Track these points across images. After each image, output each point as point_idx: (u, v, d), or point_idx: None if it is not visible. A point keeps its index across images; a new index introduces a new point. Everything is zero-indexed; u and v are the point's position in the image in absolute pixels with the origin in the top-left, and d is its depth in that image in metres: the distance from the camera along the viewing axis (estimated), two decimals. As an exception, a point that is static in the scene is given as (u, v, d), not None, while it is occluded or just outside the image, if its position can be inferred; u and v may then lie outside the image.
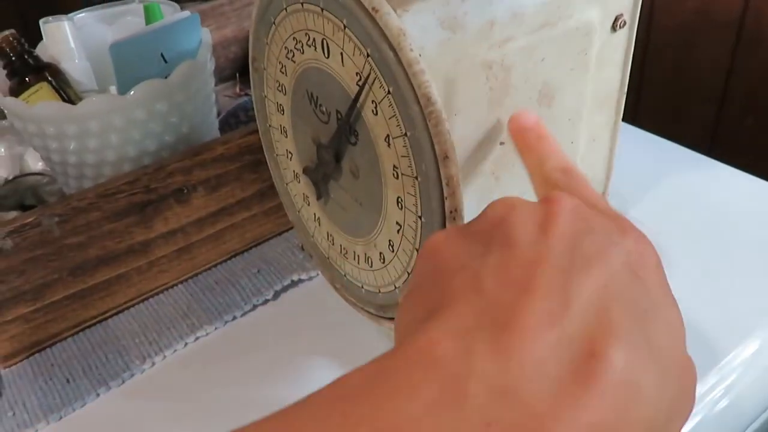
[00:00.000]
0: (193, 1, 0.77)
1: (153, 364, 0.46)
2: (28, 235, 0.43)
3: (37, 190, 0.56)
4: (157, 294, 0.51)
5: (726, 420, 0.42)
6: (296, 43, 0.38)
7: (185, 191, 0.48)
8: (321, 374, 0.44)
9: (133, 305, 0.50)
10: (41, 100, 0.47)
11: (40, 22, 0.53)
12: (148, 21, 0.53)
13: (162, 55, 0.47)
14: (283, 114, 0.43)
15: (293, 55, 0.39)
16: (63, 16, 0.53)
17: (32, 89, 0.48)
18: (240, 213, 0.52)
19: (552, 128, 0.41)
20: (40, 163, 0.56)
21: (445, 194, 0.30)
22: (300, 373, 0.44)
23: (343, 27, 0.32)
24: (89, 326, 0.48)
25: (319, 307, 0.49)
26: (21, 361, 0.46)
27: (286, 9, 0.37)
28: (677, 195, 0.56)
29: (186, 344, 0.47)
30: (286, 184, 0.47)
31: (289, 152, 0.45)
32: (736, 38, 0.93)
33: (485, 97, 0.36)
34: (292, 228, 0.56)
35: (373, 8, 0.30)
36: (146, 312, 0.49)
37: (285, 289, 0.50)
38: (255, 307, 0.49)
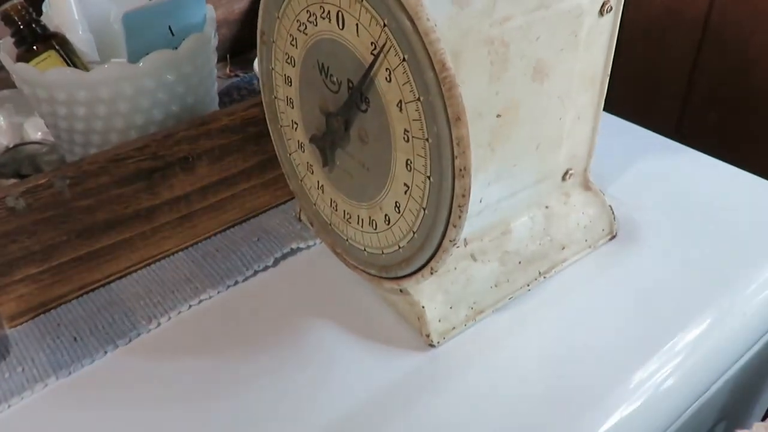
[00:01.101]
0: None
1: (159, 324, 0.47)
2: (41, 196, 0.44)
3: (35, 159, 0.57)
4: (159, 260, 0.52)
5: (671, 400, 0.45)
6: (309, 16, 0.40)
7: (190, 159, 0.50)
8: (319, 335, 0.46)
9: (136, 270, 0.51)
10: (50, 67, 0.48)
11: (44, -7, 0.54)
12: (152, -5, 0.54)
13: (170, 28, 0.49)
14: (290, 85, 0.45)
15: (305, 28, 0.41)
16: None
17: (41, 57, 0.49)
18: (240, 184, 0.54)
19: (543, 104, 0.44)
20: (39, 133, 0.57)
21: (456, 153, 0.33)
22: (300, 334, 0.46)
23: (360, -1, 0.35)
24: (93, 289, 0.50)
25: (318, 274, 0.51)
26: (26, 321, 0.47)
27: (300, -17, 0.39)
28: (649, 175, 0.60)
29: (190, 306, 0.49)
30: (289, 154, 0.49)
31: (295, 122, 0.47)
32: (702, 36, 0.98)
33: (486, 71, 0.39)
34: (288, 200, 0.58)
35: (393, -19, 0.32)
36: (149, 277, 0.51)
37: (284, 256, 0.53)
38: (256, 273, 0.51)
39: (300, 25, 0.41)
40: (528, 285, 0.48)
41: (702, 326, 0.46)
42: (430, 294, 0.44)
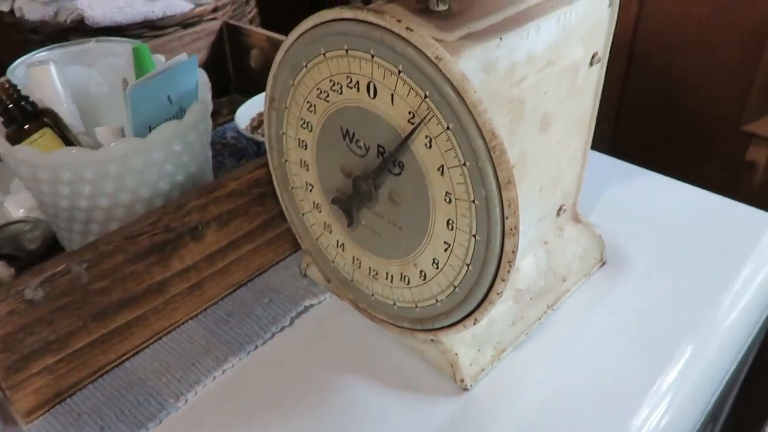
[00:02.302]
0: (142, 37, 0.77)
1: (186, 401, 0.46)
2: (59, 283, 0.42)
3: (17, 238, 0.54)
4: (170, 332, 0.51)
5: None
6: (333, 85, 0.41)
7: (200, 228, 0.49)
8: (351, 392, 0.46)
9: (148, 345, 0.50)
10: (47, 145, 0.46)
11: (20, 65, 0.52)
12: (137, 63, 0.53)
13: (168, 97, 0.49)
14: (305, 149, 0.46)
15: (327, 96, 0.42)
16: (45, 58, 0.52)
17: (34, 136, 0.47)
18: (246, 245, 0.54)
19: (547, 152, 0.47)
20: (22, 210, 0.54)
21: (506, 214, 0.35)
22: (331, 393, 0.47)
23: (398, 72, 0.36)
24: (107, 371, 0.48)
25: (335, 328, 0.52)
26: (43, 414, 0.45)
27: (324, 54, 0.40)
28: (620, 200, 0.65)
29: (215, 378, 0.48)
30: (302, 214, 0.50)
31: (310, 184, 0.48)
32: (629, 58, 1.06)
33: (506, 127, 0.41)
34: (289, 255, 0.58)
35: (437, 57, 0.34)
36: (164, 351, 0.49)
37: (298, 315, 0.53)
38: (273, 335, 0.51)
39: (321, 93, 0.42)
40: (540, 319, 0.51)
41: (698, 339, 0.50)
42: (460, 340, 0.45)
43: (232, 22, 0.81)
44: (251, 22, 0.93)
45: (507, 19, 0.40)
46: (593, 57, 0.47)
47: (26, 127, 0.47)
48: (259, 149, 0.61)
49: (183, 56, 0.50)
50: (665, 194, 0.66)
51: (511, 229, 0.35)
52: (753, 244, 0.59)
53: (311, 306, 0.54)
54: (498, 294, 0.38)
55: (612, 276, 0.56)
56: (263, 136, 0.64)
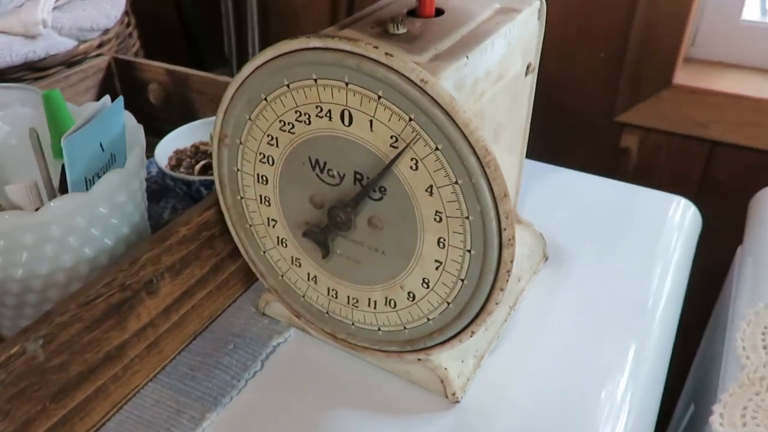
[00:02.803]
0: (23, 80, 0.69)
1: (170, 470, 0.42)
2: (14, 367, 0.37)
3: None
4: (131, 399, 0.46)
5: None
6: (299, 116, 0.40)
7: (154, 281, 0.45)
8: (342, 425, 0.45)
9: (110, 418, 0.45)
10: (-33, 213, 0.40)
11: None
12: (49, 109, 0.48)
13: (101, 144, 0.44)
14: (266, 184, 0.44)
15: (292, 127, 0.41)
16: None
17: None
18: (199, 292, 0.50)
19: (499, 161, 0.49)
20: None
21: (504, 226, 0.36)
22: (322, 429, 0.45)
23: (377, 98, 0.36)
24: (69, 455, 0.43)
25: (307, 363, 0.50)
26: None
27: (288, 85, 0.39)
28: (546, 198, 0.69)
29: (195, 439, 0.44)
30: (264, 252, 0.48)
31: (272, 220, 0.46)
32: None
33: (471, 141, 0.42)
34: (240, 297, 0.56)
35: (422, 80, 0.34)
36: (129, 421, 0.45)
37: (267, 356, 0.50)
38: (247, 382, 0.48)
39: (284, 125, 0.41)
40: (505, 320, 0.53)
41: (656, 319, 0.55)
42: (447, 354, 0.46)
43: (121, 56, 0.76)
44: (136, 55, 0.87)
45: (464, 37, 0.41)
46: (528, 67, 0.49)
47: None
48: (189, 188, 0.58)
49: (107, 99, 0.46)
50: (575, 186, 0.71)
51: (509, 239, 0.36)
52: (663, 221, 0.65)
53: (278, 345, 0.51)
54: (496, 304, 0.39)
55: (556, 270, 0.59)
56: (189, 174, 0.60)
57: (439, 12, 0.43)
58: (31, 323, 0.38)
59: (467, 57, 0.39)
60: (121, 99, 0.47)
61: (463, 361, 0.47)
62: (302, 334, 0.52)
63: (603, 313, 0.54)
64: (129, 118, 0.49)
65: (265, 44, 1.32)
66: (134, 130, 0.48)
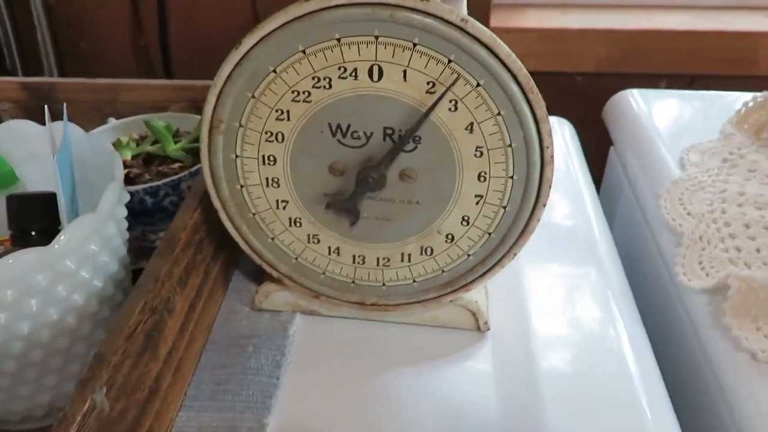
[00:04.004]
0: None
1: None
2: (90, 428, 0.31)
3: None
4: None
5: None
6: (317, 82, 0.38)
7: (171, 299, 0.41)
8: (403, 384, 0.45)
9: (160, 461, 0.40)
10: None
11: None
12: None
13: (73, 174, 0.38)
14: (273, 164, 0.42)
15: (308, 96, 0.39)
16: None
17: None
18: (198, 303, 0.46)
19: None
20: None
21: (546, 144, 0.39)
22: (388, 391, 0.45)
23: (412, 46, 0.36)
24: None
25: (330, 340, 0.48)
26: None
27: (304, 51, 0.37)
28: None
29: (264, 448, 0.41)
30: (272, 239, 0.45)
31: (282, 202, 0.43)
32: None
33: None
34: (223, 302, 0.51)
35: (462, 19, 0.36)
36: (183, 456, 0.40)
37: (289, 347, 0.48)
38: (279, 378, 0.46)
39: (298, 96, 0.39)
40: (484, 251, 0.56)
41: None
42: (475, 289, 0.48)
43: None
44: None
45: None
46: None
47: None
48: (155, 195, 0.51)
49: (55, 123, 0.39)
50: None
51: (551, 156, 0.39)
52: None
53: (294, 333, 0.49)
54: (538, 220, 0.42)
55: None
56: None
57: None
58: (87, 371, 0.32)
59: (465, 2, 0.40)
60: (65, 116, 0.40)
61: (478, 291, 0.50)
62: (308, 318, 0.50)
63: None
64: (100, 142, 0.41)
65: (59, 52, 1.17)
66: (107, 158, 0.41)
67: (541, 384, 0.45)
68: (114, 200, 0.37)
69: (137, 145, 0.58)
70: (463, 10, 0.40)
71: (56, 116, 0.64)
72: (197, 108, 0.62)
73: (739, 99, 0.73)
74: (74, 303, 0.38)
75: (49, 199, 0.39)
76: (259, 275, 0.52)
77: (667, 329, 0.57)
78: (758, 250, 0.53)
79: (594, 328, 0.50)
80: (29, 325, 0.35)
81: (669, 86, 1.11)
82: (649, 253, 0.64)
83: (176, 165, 0.55)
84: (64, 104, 0.40)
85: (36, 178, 0.43)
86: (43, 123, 0.52)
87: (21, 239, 0.39)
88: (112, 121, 0.59)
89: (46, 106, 0.40)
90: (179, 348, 0.43)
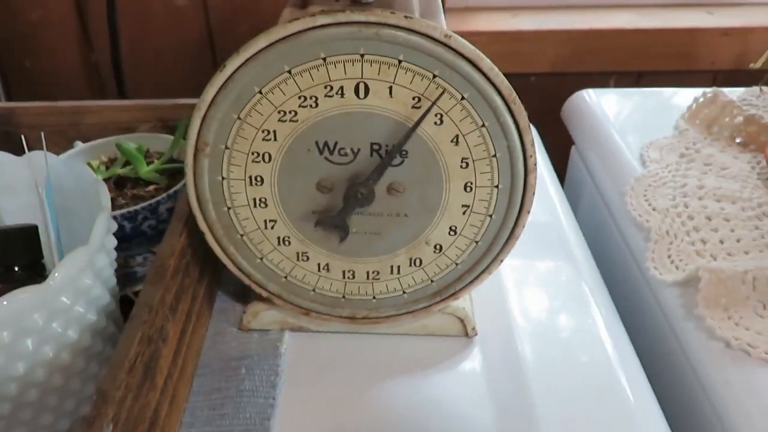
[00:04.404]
0: None
1: None
2: (100, 465, 0.30)
3: None
4: (170, 464, 0.41)
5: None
6: (304, 101, 0.38)
7: (164, 327, 0.40)
8: (396, 392, 0.45)
9: (163, 492, 0.39)
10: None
11: None
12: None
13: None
14: (260, 185, 0.42)
15: (295, 115, 0.39)
16: None
17: None
18: (188, 328, 0.45)
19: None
20: None
21: (530, 153, 0.40)
22: (381, 401, 0.45)
23: (397, 63, 0.37)
24: None
25: (320, 356, 0.49)
26: None
27: (289, 71, 0.37)
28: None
29: (267, 470, 0.41)
30: (260, 259, 0.45)
31: (270, 221, 0.43)
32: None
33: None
34: (209, 324, 0.51)
35: (446, 36, 0.36)
36: (185, 485, 0.40)
37: (282, 366, 0.48)
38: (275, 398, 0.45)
39: (284, 115, 0.39)
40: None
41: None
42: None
43: None
44: None
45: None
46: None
47: None
48: (134, 220, 0.50)
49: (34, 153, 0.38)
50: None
51: (534, 164, 0.41)
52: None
53: (285, 351, 0.49)
54: (523, 227, 0.43)
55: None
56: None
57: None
58: (92, 409, 0.31)
59: (444, 16, 0.41)
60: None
61: (466, 299, 0.51)
62: (297, 335, 0.50)
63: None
64: (81, 169, 0.40)
65: (2, 71, 1.12)
66: (89, 185, 0.40)
67: (529, 379, 0.46)
68: (104, 231, 0.37)
69: (107, 168, 0.57)
70: (443, 24, 0.41)
71: (13, 143, 0.62)
72: (167, 127, 0.61)
73: (690, 95, 0.77)
74: (69, 339, 0.37)
75: (31, 232, 0.38)
76: (243, 294, 0.52)
77: (640, 321, 0.59)
78: (721, 242, 0.56)
79: (573, 321, 0.52)
80: (24, 365, 0.34)
81: (618, 83, 1.15)
82: (617, 247, 0.66)
83: (150, 187, 0.54)
84: (42, 133, 0.39)
85: (10, 208, 0.42)
86: (7, 150, 0.51)
87: (4, 275, 0.38)
88: (79, 144, 0.58)
89: (22, 136, 0.39)
90: (173, 375, 0.42)
